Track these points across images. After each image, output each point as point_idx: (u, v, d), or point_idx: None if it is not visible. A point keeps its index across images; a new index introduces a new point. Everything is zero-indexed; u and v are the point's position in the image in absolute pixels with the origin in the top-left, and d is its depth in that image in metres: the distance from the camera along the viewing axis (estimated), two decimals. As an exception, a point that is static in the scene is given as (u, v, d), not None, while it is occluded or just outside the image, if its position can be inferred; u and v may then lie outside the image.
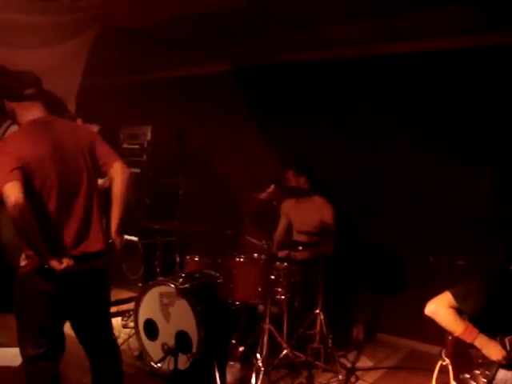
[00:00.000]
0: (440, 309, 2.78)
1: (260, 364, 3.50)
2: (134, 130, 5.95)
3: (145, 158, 5.78)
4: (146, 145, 5.81)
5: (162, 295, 3.79)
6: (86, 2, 3.53)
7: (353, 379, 3.84)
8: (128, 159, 5.80)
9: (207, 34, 4.70)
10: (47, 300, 2.52)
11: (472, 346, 2.73)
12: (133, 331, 4.08)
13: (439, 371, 2.84)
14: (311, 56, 5.02)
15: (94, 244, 2.61)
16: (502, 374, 2.70)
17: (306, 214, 4.55)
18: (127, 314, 4.73)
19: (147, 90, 6.17)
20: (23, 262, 2.50)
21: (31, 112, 2.60)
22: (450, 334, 2.81)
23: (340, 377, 3.80)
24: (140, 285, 4.07)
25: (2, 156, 2.41)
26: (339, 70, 4.91)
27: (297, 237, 4.60)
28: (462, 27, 4.03)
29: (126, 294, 5.40)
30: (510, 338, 2.70)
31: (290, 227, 4.78)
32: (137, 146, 5.84)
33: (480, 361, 2.74)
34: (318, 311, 4.00)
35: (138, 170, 5.73)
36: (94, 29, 3.80)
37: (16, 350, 3.51)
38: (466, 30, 4.08)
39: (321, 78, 5.06)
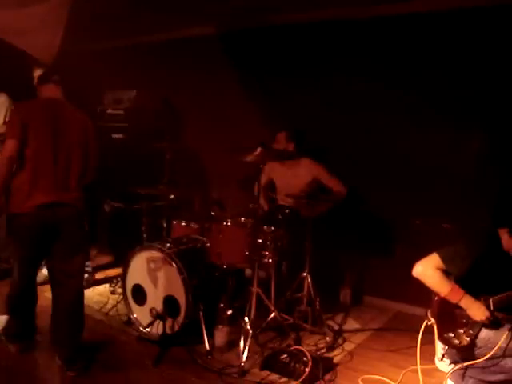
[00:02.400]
0: (427, 270, 2.81)
1: (248, 327, 3.53)
2: (118, 95, 5.81)
3: (129, 123, 5.66)
4: (130, 109, 5.69)
5: (149, 260, 3.77)
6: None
7: (340, 341, 3.88)
8: (112, 125, 5.72)
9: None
10: (29, 236, 3.11)
11: (457, 306, 2.78)
12: (121, 297, 4.08)
13: (424, 331, 2.89)
14: (299, 18, 4.89)
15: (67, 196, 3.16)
16: (484, 333, 2.76)
17: (292, 177, 4.52)
18: (115, 280, 4.74)
19: (132, 54, 6.01)
20: None
21: (48, 92, 3.26)
22: (436, 294, 2.85)
23: (327, 339, 3.85)
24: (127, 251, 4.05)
25: (14, 117, 3.13)
26: (328, 32, 4.80)
27: (283, 201, 4.59)
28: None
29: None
30: (494, 298, 2.74)
31: (272, 187, 4.75)
32: (121, 112, 5.72)
33: (464, 320, 2.79)
34: (305, 274, 4.02)
35: (122, 136, 5.64)
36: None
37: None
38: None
39: (309, 41, 4.94)
